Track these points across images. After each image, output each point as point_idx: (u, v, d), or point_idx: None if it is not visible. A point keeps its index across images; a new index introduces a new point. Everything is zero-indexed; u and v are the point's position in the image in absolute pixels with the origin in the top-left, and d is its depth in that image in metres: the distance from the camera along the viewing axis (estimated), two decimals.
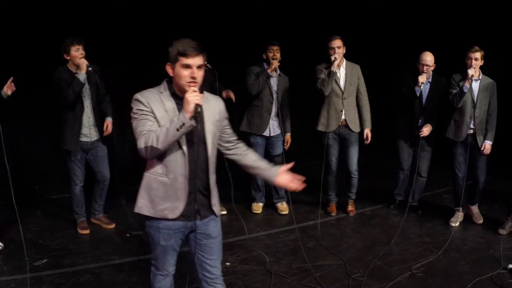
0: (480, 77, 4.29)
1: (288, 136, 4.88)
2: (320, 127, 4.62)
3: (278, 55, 4.59)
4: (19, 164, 5.70)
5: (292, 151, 4.94)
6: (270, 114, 4.66)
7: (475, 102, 4.29)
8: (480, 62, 4.22)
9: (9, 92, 3.79)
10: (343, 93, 4.52)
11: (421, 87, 4.32)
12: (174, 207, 2.30)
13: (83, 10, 5.41)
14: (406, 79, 4.52)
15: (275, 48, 4.59)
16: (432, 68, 4.40)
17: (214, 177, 2.40)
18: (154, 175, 2.31)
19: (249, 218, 4.73)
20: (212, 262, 2.44)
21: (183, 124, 2.10)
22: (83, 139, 4.19)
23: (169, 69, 2.24)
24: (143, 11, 5.73)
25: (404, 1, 6.68)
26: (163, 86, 2.31)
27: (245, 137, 4.66)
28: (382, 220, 4.74)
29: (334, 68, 4.37)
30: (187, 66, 2.17)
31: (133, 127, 2.24)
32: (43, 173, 5.82)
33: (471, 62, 4.20)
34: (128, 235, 4.31)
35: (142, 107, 2.21)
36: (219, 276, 2.46)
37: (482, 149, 4.33)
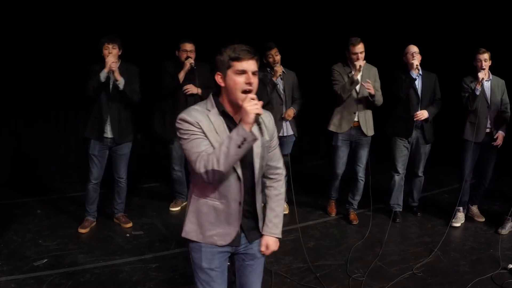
0: (490, 78, 4.34)
1: (290, 109, 4.66)
2: (332, 127, 4.51)
3: (278, 58, 4.53)
4: (19, 163, 5.71)
5: (293, 151, 4.93)
6: (282, 115, 4.63)
7: (489, 102, 4.33)
8: (489, 63, 4.26)
9: None
10: (358, 94, 4.45)
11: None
12: (225, 233, 2.11)
13: (87, 6, 5.41)
14: (398, 75, 4.48)
15: (273, 51, 4.53)
16: (420, 57, 4.37)
17: (260, 200, 2.23)
18: (204, 199, 2.10)
19: None
20: (252, 283, 2.30)
21: (245, 139, 1.88)
22: (106, 135, 4.22)
23: (219, 79, 2.01)
24: (142, 11, 5.73)
25: (405, 1, 6.69)
26: (210, 102, 2.06)
27: None
28: (382, 220, 4.74)
29: (357, 75, 4.26)
30: (242, 72, 1.96)
31: (185, 149, 2.01)
32: (43, 173, 5.82)
33: (481, 64, 4.23)
34: (128, 235, 4.31)
35: (192, 128, 1.98)
36: None
37: (495, 137, 4.34)
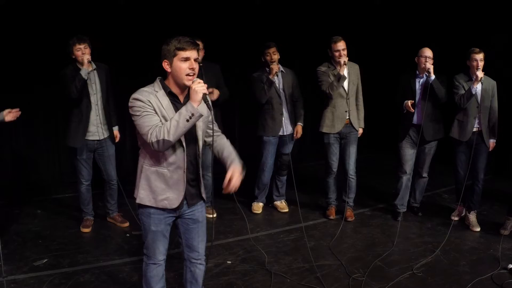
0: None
1: (299, 126, 4.80)
2: (325, 129, 4.54)
3: (275, 57, 4.56)
4: (19, 163, 5.71)
5: (294, 151, 4.93)
6: (282, 114, 4.64)
7: (479, 102, 4.31)
8: (483, 63, 4.25)
9: (7, 119, 3.57)
10: (347, 93, 4.49)
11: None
12: (173, 198, 2.47)
13: (81, 8, 5.41)
14: (402, 81, 4.54)
15: (272, 50, 4.55)
16: (432, 62, 4.36)
17: (200, 168, 2.57)
18: (154, 168, 2.45)
19: (249, 218, 4.73)
20: (198, 243, 2.67)
21: (192, 114, 2.25)
22: (91, 137, 4.16)
23: (166, 66, 2.37)
24: (138, 11, 5.73)
25: (404, 1, 6.69)
26: (157, 85, 2.42)
27: (259, 136, 4.70)
28: (382, 220, 4.74)
29: (343, 71, 4.34)
30: (186, 59, 2.33)
31: (137, 124, 2.34)
32: (43, 173, 5.82)
33: (477, 64, 4.22)
34: (128, 235, 4.31)
35: (143, 105, 2.32)
36: (202, 257, 2.72)
37: (489, 148, 4.40)
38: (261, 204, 4.97)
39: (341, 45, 4.35)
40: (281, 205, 4.96)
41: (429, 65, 4.28)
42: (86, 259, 3.77)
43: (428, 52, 4.37)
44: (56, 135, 5.86)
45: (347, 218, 4.70)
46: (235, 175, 2.40)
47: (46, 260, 3.75)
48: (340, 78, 4.33)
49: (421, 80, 4.44)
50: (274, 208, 5.00)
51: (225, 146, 2.62)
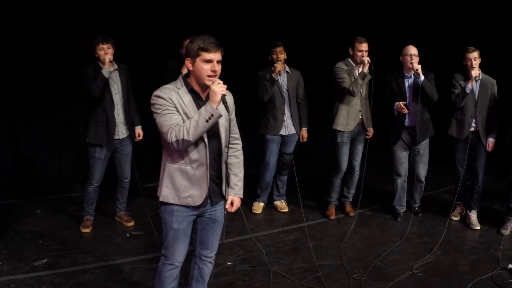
0: (480, 76, 4.30)
1: (304, 130, 4.83)
2: (339, 127, 4.55)
3: (281, 56, 4.58)
4: (19, 163, 5.71)
5: (295, 151, 4.93)
6: (283, 114, 4.66)
7: (476, 101, 4.32)
8: (478, 61, 4.25)
9: None
10: (361, 93, 4.51)
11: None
12: (197, 195, 2.45)
13: (87, 7, 5.41)
14: (388, 81, 4.53)
15: (278, 49, 4.57)
16: (418, 59, 4.34)
17: (225, 166, 2.54)
18: (177, 165, 2.44)
19: (249, 218, 4.73)
20: (213, 242, 2.67)
21: (212, 115, 2.24)
22: (117, 136, 4.19)
23: (188, 64, 2.35)
24: (147, 11, 5.73)
25: (403, 1, 6.70)
26: (179, 82, 2.41)
27: (262, 135, 4.72)
28: (382, 220, 4.74)
29: (366, 70, 4.34)
30: (209, 61, 2.30)
31: (158, 122, 2.34)
32: (43, 173, 5.82)
33: (472, 63, 4.22)
34: (128, 235, 4.31)
35: (164, 102, 2.31)
36: (213, 256, 2.72)
37: (486, 147, 4.37)
38: (262, 204, 4.97)
39: (365, 46, 4.41)
40: (281, 205, 4.97)
41: (417, 65, 4.25)
42: (86, 259, 3.77)
43: (413, 50, 4.34)
44: (57, 134, 5.87)
45: (349, 213, 4.76)
46: (234, 203, 2.61)
47: (46, 260, 3.75)
48: (365, 76, 4.36)
49: (410, 80, 4.41)
50: (274, 208, 5.00)
51: (235, 166, 2.63)
